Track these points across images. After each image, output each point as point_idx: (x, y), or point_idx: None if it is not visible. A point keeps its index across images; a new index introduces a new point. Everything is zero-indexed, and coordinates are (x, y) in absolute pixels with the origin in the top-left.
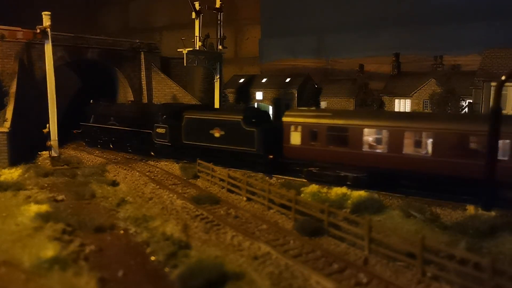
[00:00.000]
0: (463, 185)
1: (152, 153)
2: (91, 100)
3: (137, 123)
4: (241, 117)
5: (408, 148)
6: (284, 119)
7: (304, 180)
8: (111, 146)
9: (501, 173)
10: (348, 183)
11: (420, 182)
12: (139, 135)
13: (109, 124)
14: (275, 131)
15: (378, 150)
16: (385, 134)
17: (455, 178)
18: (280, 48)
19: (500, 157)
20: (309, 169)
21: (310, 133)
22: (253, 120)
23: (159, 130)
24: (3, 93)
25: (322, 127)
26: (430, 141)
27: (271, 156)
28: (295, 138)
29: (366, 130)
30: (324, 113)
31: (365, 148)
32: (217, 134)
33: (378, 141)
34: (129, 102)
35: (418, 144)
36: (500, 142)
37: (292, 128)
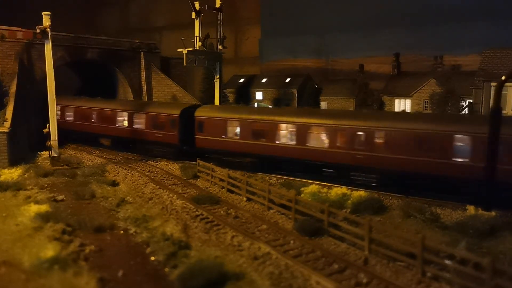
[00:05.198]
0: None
1: None
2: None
3: None
4: None
5: (86, 119)
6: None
7: (303, 180)
8: None
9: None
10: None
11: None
12: None
13: None
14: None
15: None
16: (75, 111)
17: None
18: (280, 48)
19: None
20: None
21: (67, 112)
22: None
23: None
24: (3, 93)
25: (70, 108)
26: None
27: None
28: (63, 115)
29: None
30: (74, 100)
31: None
32: None
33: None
34: None
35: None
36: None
37: (58, 108)
